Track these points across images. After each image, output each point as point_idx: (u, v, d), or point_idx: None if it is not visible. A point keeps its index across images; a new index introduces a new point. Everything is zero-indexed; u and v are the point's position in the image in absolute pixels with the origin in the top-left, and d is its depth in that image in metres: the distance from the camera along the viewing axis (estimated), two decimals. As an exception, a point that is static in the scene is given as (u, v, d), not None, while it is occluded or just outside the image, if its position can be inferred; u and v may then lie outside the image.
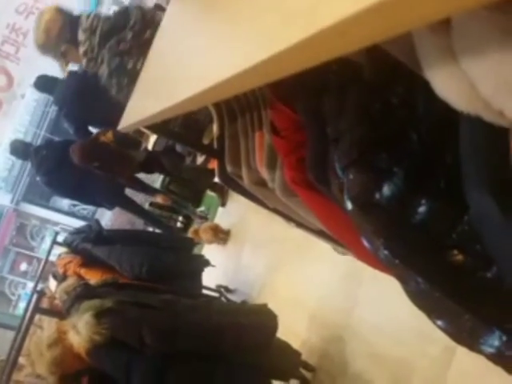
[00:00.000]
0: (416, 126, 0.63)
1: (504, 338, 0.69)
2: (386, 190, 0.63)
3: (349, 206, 0.65)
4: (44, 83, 3.89)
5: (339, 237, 1.06)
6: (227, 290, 3.65)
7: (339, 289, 2.54)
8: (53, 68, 2.33)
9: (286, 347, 2.06)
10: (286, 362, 1.97)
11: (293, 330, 2.38)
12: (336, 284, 2.58)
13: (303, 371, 2.31)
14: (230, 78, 0.46)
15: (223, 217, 4.32)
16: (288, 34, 0.33)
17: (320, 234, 1.46)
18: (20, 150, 4.05)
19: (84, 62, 1.96)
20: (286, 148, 0.91)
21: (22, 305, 9.66)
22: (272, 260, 3.34)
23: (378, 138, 0.64)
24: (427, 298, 0.65)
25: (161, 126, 1.52)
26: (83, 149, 3.28)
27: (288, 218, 1.45)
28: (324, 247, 2.64)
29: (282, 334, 2.05)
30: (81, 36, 1.90)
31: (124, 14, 1.92)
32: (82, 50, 1.92)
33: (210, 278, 3.38)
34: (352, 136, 0.64)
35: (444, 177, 0.67)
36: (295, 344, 2.20)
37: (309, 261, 2.90)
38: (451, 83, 0.49)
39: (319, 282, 2.73)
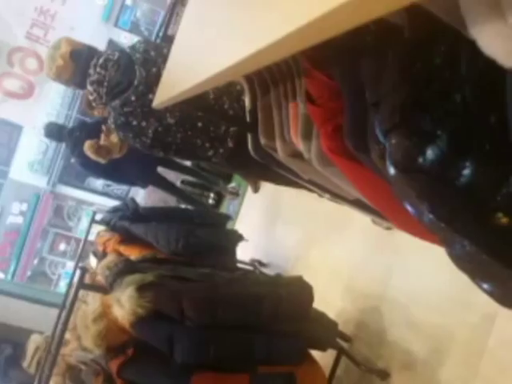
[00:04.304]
0: (460, 86, 0.61)
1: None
2: (430, 153, 0.62)
3: (391, 171, 0.65)
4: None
5: (378, 205, 1.05)
6: (261, 263, 3.69)
7: (374, 259, 2.54)
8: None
9: (322, 317, 2.08)
10: (323, 331, 2.00)
11: (328, 301, 2.40)
12: (371, 254, 2.58)
13: (340, 341, 2.34)
14: (268, 45, 0.46)
15: (254, 194, 4.33)
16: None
17: (356, 204, 1.46)
18: (54, 132, 4.13)
19: (93, 104, 2.17)
20: (322, 116, 0.90)
21: (62, 283, 10.05)
22: (305, 233, 3.35)
23: (420, 100, 0.63)
24: (472, 261, 0.64)
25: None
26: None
27: (323, 189, 1.44)
28: (358, 219, 2.63)
29: (316, 305, 2.07)
30: (89, 87, 2.05)
31: (129, 71, 2.01)
32: (90, 97, 2.09)
33: (243, 253, 3.43)
34: (393, 99, 0.63)
35: (488, 138, 0.65)
36: (331, 315, 2.23)
37: (342, 233, 2.90)
38: (499, 40, 0.48)
39: (353, 253, 2.73)
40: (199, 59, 0.94)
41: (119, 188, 10.44)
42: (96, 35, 6.03)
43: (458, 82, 0.62)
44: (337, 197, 1.45)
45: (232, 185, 4.71)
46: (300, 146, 1.11)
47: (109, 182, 10.27)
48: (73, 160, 4.86)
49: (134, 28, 7.87)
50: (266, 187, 4.19)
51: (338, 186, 1.18)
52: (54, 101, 7.48)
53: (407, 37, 0.64)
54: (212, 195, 4.92)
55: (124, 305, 1.74)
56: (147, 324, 1.75)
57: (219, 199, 4.84)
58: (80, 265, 3.63)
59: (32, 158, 10.11)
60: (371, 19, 0.35)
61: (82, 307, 2.06)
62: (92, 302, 1.96)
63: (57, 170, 9.97)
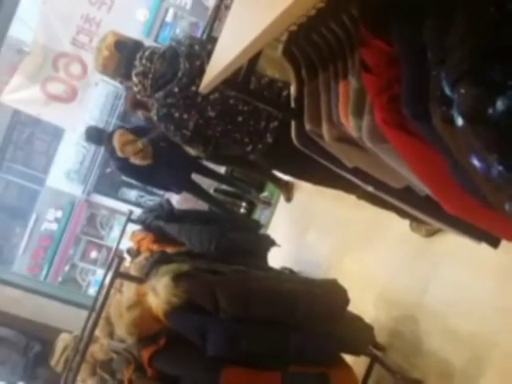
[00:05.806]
0: (535, 33, 0.59)
1: None
2: (500, 104, 0.60)
3: (459, 122, 0.62)
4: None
5: (430, 184, 1.02)
6: (292, 272, 3.64)
7: (410, 267, 2.47)
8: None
9: (358, 320, 2.03)
10: (358, 334, 1.94)
11: (361, 310, 2.33)
12: (406, 263, 2.51)
13: (373, 350, 2.26)
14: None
15: (287, 203, 4.31)
16: None
17: (402, 197, 1.42)
18: (94, 135, 4.24)
19: (138, 96, 2.21)
20: (378, 85, 0.89)
21: (91, 290, 10.18)
22: (338, 241, 3.30)
23: (491, 48, 0.61)
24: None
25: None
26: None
27: (368, 179, 1.41)
28: (393, 227, 2.58)
29: (350, 312, 2.00)
30: (134, 78, 2.09)
31: (174, 63, 2.04)
32: (135, 89, 2.13)
33: (273, 261, 3.39)
34: (462, 49, 0.62)
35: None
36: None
37: (376, 241, 2.84)
38: None
39: (388, 261, 2.66)
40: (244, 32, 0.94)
41: (151, 199, 10.59)
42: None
43: (532, 30, 0.60)
44: (382, 188, 1.42)
45: (264, 194, 4.71)
46: (350, 124, 1.09)
47: (142, 193, 10.42)
48: (108, 170, 4.92)
49: (173, 44, 8.07)
50: (298, 197, 4.17)
51: (387, 169, 1.16)
52: (96, 107, 7.70)
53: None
54: (244, 204, 4.92)
55: (159, 293, 1.74)
56: (181, 314, 1.74)
57: (251, 208, 4.84)
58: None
59: (69, 167, 10.40)
60: None
61: (117, 296, 2.07)
62: (127, 290, 1.97)
63: (92, 179, 10.21)
